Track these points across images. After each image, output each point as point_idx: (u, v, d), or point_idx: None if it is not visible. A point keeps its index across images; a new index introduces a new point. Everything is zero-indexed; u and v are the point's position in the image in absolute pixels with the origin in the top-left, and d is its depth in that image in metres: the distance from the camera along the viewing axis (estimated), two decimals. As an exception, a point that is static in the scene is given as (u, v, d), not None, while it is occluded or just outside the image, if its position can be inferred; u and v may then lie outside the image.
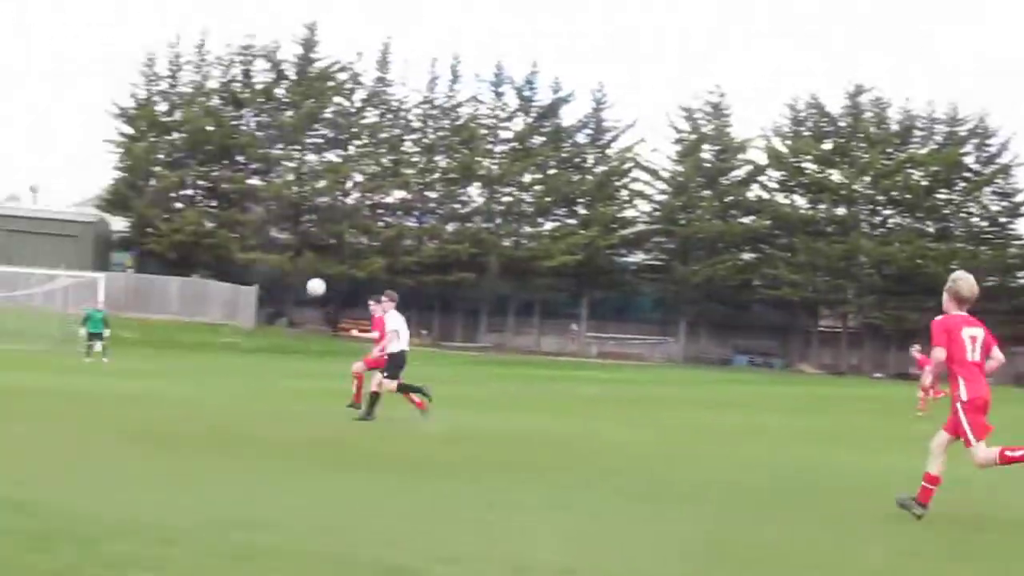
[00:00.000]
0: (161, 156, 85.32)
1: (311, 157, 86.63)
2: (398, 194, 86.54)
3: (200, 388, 31.92)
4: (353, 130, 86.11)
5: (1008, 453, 12.42)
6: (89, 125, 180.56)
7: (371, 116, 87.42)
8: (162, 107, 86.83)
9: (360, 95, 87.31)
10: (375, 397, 22.85)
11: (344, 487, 13.51)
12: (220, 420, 21.76)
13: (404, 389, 23.31)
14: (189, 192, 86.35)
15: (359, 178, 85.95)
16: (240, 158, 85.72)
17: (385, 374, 23.03)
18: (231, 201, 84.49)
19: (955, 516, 12.84)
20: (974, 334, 12.59)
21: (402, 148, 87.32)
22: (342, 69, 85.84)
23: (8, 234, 76.73)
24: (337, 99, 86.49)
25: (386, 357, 23.33)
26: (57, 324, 53.96)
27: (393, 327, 23.45)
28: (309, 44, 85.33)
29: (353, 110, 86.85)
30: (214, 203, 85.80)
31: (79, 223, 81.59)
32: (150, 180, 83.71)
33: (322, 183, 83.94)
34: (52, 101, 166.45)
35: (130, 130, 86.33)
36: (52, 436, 17.49)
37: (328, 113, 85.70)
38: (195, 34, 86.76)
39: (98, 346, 42.81)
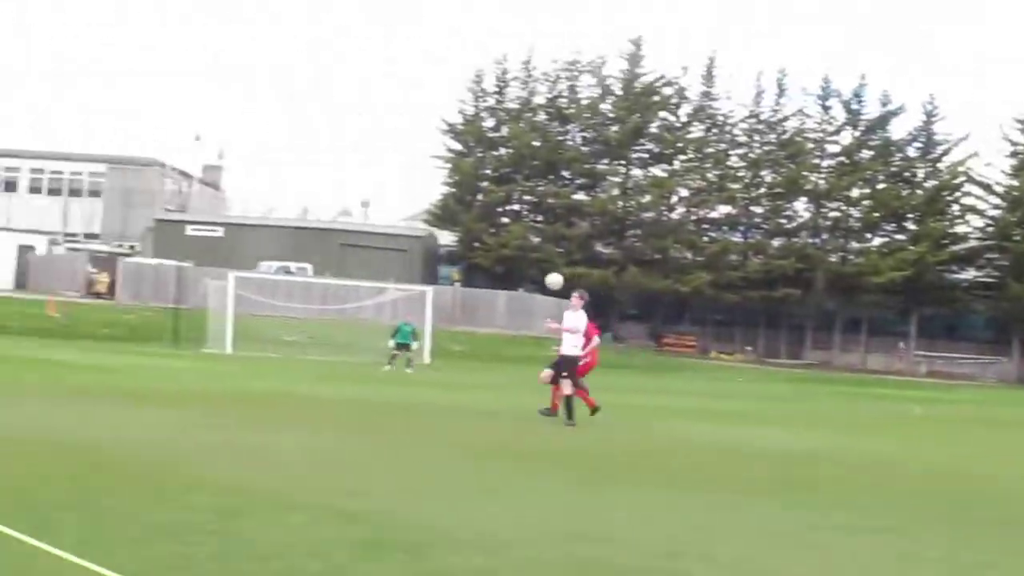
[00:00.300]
0: (488, 171, 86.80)
1: (636, 172, 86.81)
2: (723, 209, 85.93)
3: (522, 400, 32.26)
4: (678, 145, 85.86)
5: None
6: (417, 141, 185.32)
7: (696, 131, 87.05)
8: (489, 123, 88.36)
9: (685, 109, 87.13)
10: (569, 400, 22.93)
11: (669, 502, 13.44)
12: (544, 432, 21.93)
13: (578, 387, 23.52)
14: (515, 207, 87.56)
15: (684, 193, 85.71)
16: (566, 173, 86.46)
17: (564, 374, 23.05)
18: (556, 216, 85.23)
19: None
20: None
21: (727, 163, 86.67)
22: (667, 84, 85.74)
23: (341, 248, 79.30)
24: (662, 114, 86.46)
25: (567, 357, 23.26)
26: (386, 337, 55.52)
27: (571, 326, 23.37)
28: (635, 59, 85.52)
29: (678, 125, 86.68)
30: (539, 218, 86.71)
31: (409, 237, 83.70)
32: (477, 195, 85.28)
33: (647, 198, 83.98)
34: (380, 118, 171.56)
35: (458, 146, 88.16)
36: (380, 448, 17.93)
37: (653, 128, 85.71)
38: (522, 51, 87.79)
39: (404, 357, 43.87)
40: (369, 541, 10.03)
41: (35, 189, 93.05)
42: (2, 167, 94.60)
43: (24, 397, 22.52)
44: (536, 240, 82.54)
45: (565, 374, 23.08)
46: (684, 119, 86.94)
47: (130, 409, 21.25)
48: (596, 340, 24.53)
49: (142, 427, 18.20)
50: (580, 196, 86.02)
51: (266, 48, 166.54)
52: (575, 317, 23.60)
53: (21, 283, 73.89)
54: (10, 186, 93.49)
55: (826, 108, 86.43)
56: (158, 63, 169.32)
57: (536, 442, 20.14)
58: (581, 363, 23.87)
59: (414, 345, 44.71)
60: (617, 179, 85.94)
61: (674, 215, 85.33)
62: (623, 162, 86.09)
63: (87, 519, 10.12)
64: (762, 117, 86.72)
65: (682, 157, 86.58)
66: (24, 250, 76.91)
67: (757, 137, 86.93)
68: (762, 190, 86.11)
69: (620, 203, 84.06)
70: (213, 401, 24.83)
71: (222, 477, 13.23)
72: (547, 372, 23.80)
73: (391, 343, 44.54)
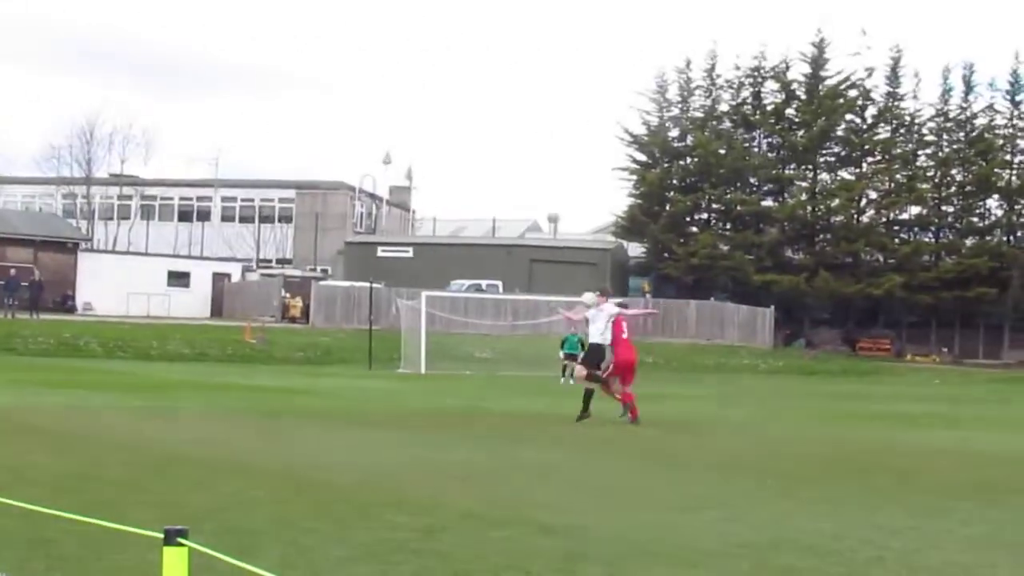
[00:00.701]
0: (674, 181, 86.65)
1: (824, 176, 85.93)
2: (913, 210, 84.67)
3: (719, 409, 32.05)
4: (866, 147, 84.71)
5: None
6: (601, 153, 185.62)
7: (883, 132, 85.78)
8: (673, 133, 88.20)
9: (871, 111, 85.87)
10: (588, 394, 23.75)
11: (869, 508, 13.20)
12: (739, 441, 21.76)
13: (597, 380, 24.06)
14: (703, 215, 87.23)
15: (873, 195, 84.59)
16: (753, 180, 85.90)
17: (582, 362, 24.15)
18: (745, 223, 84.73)
19: None
20: None
21: (916, 163, 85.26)
22: (852, 86, 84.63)
23: (530, 263, 79.72)
24: (848, 116, 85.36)
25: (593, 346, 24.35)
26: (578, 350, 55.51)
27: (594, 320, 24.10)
28: (818, 62, 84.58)
29: (865, 127, 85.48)
30: (728, 226, 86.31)
31: (598, 250, 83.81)
32: (665, 205, 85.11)
33: (836, 201, 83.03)
34: (560, 130, 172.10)
35: (643, 157, 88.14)
36: (575, 460, 17.94)
37: (840, 131, 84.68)
38: (704, 58, 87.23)
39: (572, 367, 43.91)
40: (566, 554, 10.03)
41: (227, 217, 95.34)
42: (195, 197, 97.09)
43: (225, 422, 23.02)
44: (725, 248, 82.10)
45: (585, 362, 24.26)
46: (870, 121, 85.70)
47: (328, 431, 21.58)
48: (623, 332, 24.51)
49: (341, 448, 18.47)
50: (768, 202, 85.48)
51: (450, 66, 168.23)
52: (597, 314, 24.27)
53: (217, 310, 75.63)
54: (203, 215, 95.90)
55: (1015, 103, 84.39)
56: (344, 85, 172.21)
57: (731, 451, 19.98)
58: (609, 366, 24.39)
59: (580, 355, 44.71)
60: (805, 184, 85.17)
61: (864, 218, 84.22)
62: (810, 167, 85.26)
63: (290, 541, 10.28)
64: (950, 115, 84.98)
65: (870, 159, 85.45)
66: (219, 278, 78.72)
67: (946, 136, 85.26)
68: (952, 189, 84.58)
69: (809, 208, 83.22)
70: (410, 420, 25.11)
71: (422, 495, 13.35)
72: (579, 369, 24.84)
73: (560, 354, 45.09)
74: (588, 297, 25.86)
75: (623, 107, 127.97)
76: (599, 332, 24.25)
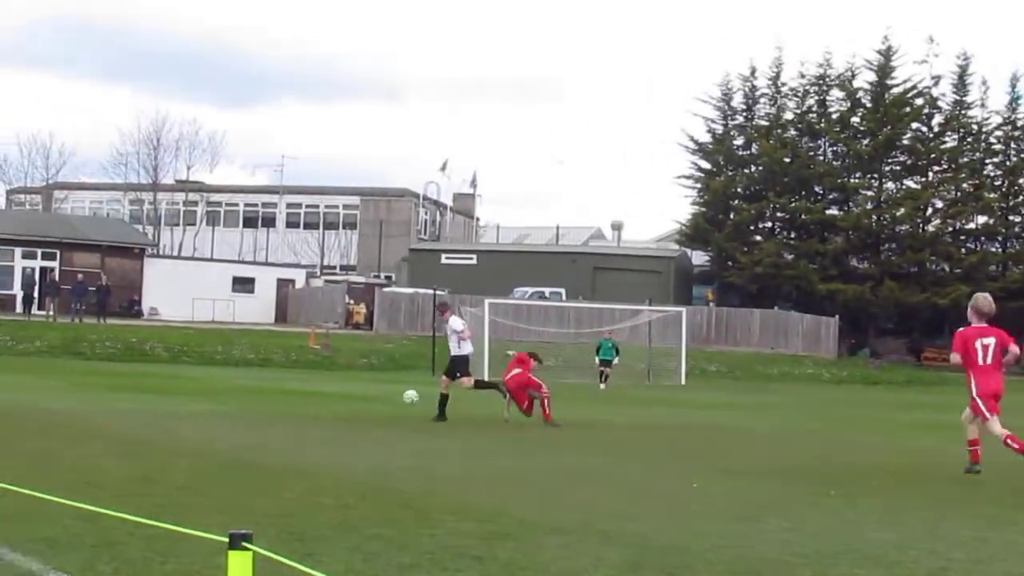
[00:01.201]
0: (739, 189, 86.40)
1: (889, 185, 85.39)
2: (980, 219, 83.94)
3: (781, 418, 31.93)
4: (932, 156, 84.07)
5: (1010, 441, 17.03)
6: (665, 161, 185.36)
7: (950, 140, 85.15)
8: (738, 141, 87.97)
9: (938, 119, 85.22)
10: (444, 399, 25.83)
11: (933, 518, 13.12)
12: (798, 451, 21.66)
13: (482, 385, 27.11)
14: (768, 224, 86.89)
15: (939, 204, 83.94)
16: (818, 188, 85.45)
17: (458, 374, 26.03)
18: (809, 232, 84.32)
19: None
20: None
21: (983, 172, 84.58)
22: (919, 94, 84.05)
23: (594, 271, 79.64)
24: (914, 125, 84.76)
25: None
26: (642, 358, 55.43)
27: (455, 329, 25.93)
28: (884, 70, 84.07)
29: (931, 135, 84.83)
30: (792, 234, 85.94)
31: (662, 258, 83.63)
32: (729, 213, 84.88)
33: (901, 211, 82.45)
34: (632, 139, 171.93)
35: (707, 165, 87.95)
36: (635, 469, 17.92)
37: (906, 139, 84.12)
38: (769, 66, 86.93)
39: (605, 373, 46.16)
40: (627, 563, 10.03)
41: (292, 223, 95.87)
42: (260, 203, 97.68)
43: (289, 427, 23.16)
44: (790, 257, 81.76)
45: (459, 374, 26.10)
46: (937, 129, 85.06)
47: (392, 437, 21.67)
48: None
49: (405, 455, 18.53)
50: (833, 211, 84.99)
51: (513, 72, 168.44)
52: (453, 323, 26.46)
53: (281, 316, 76.02)
54: (268, 221, 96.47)
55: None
56: (410, 91, 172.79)
57: (793, 460, 19.90)
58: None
59: (615, 361, 46.99)
60: (870, 193, 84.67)
61: (930, 227, 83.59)
62: (875, 175, 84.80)
63: (353, 547, 10.34)
64: (1018, 123, 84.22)
65: (936, 168, 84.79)
66: (283, 284, 79.13)
67: (1013, 144, 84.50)
68: (1020, 199, 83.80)
69: (874, 217, 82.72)
70: (472, 427, 25.14)
71: (484, 502, 13.39)
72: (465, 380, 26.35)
73: (596, 360, 46.97)
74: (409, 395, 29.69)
75: (687, 114, 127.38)
76: (455, 345, 26.29)
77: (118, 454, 17.03)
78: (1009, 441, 17.30)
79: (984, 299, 18.12)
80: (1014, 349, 17.91)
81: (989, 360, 17.70)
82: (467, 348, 26.33)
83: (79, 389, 32.59)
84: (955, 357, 17.87)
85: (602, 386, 45.75)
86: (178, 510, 11.84)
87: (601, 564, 9.95)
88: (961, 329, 17.89)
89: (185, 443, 19.12)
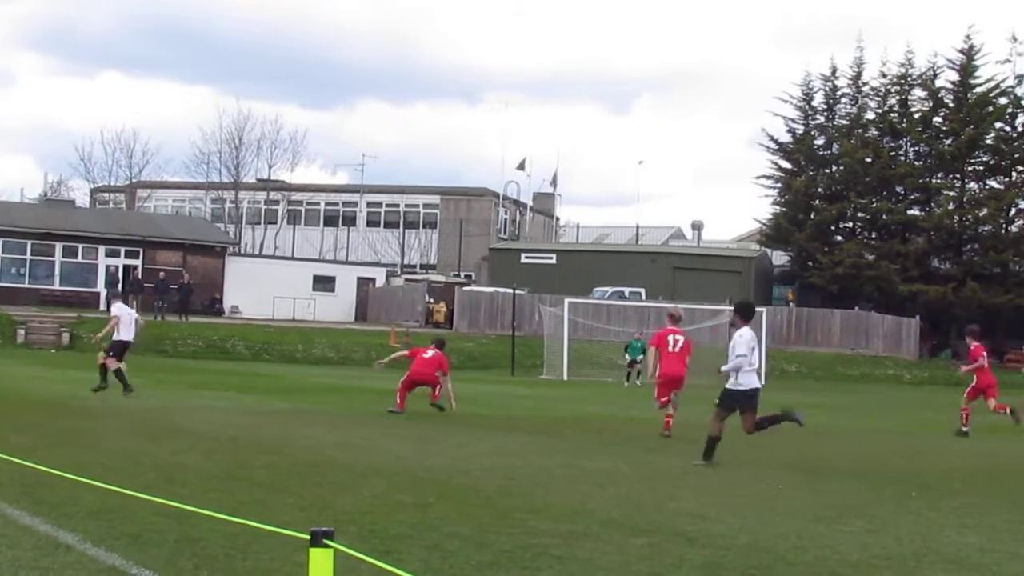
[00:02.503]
0: (819, 189, 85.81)
1: (972, 185, 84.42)
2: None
3: (862, 419, 31.70)
4: (1016, 155, 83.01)
5: None
6: (746, 160, 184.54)
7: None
8: (819, 140, 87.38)
9: (1022, 119, 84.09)
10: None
11: (1016, 522, 12.98)
12: (879, 452, 21.50)
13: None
14: (848, 224, 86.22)
15: (1023, 204, 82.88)
16: (899, 188, 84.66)
17: (111, 353, 28.27)
18: (891, 232, 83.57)
19: None
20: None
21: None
22: (1002, 93, 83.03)
23: (673, 270, 79.39)
24: (998, 124, 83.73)
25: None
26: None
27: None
28: (967, 69, 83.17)
29: (1015, 135, 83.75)
30: (873, 235, 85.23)
31: (742, 258, 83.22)
32: (810, 214, 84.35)
33: (984, 211, 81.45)
34: (712, 138, 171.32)
35: (788, 164, 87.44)
36: (716, 469, 17.84)
37: (989, 139, 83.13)
38: (850, 65, 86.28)
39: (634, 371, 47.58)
40: (707, 564, 10.01)
41: (373, 222, 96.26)
42: (341, 202, 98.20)
43: (369, 426, 23.27)
44: (871, 257, 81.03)
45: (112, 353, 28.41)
46: (1021, 129, 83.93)
47: (471, 436, 21.70)
48: None
49: (484, 453, 18.57)
50: (915, 211, 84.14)
51: (589, 70, 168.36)
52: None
53: (361, 315, 76.36)
54: (349, 220, 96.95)
55: None
56: (489, 90, 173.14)
57: (873, 461, 19.77)
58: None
59: (640, 359, 47.91)
60: (952, 193, 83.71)
61: (1013, 228, 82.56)
62: (958, 175, 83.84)
63: (432, 545, 10.38)
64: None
65: (1020, 168, 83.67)
66: (363, 282, 79.49)
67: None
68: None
69: (956, 217, 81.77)
70: (552, 427, 25.17)
71: (564, 501, 13.39)
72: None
73: (627, 358, 48.51)
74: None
75: (768, 114, 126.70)
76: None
77: (200, 451, 17.18)
78: None
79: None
80: None
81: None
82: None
83: (161, 386, 32.91)
84: None
85: (626, 383, 47.30)
86: (259, 507, 11.94)
87: (682, 564, 9.93)
88: None
89: (266, 440, 19.26)
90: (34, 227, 70.43)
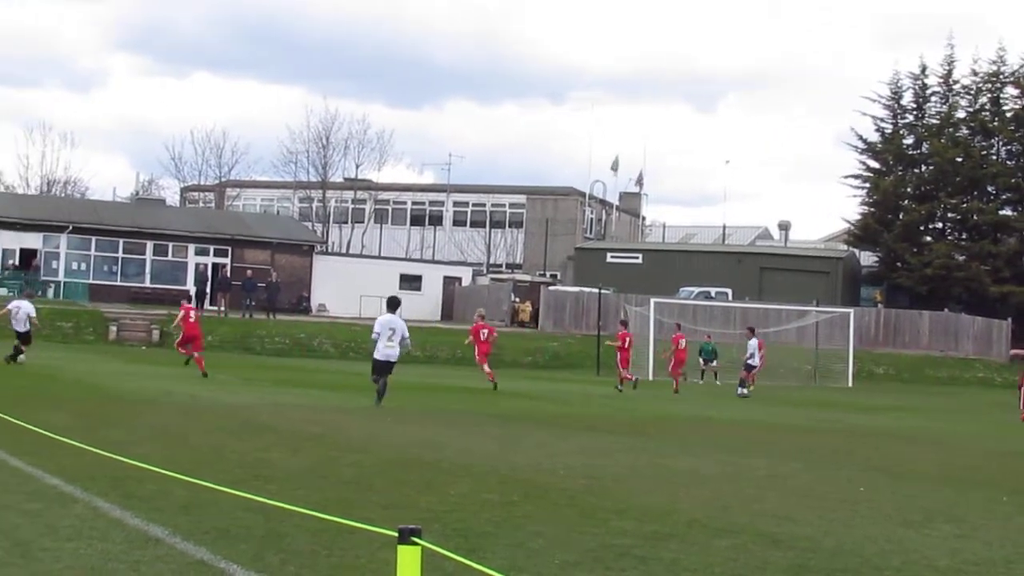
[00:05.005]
0: (908, 189, 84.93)
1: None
2: None
3: (951, 422, 31.37)
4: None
5: None
6: (834, 160, 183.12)
7: None
8: (908, 140, 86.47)
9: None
10: None
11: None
12: (966, 455, 21.27)
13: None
14: (938, 225, 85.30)
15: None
16: (990, 188, 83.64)
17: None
18: (982, 232, 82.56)
19: None
20: None
21: None
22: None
23: (760, 271, 78.93)
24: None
25: None
26: (808, 360, 54.90)
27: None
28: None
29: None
30: (964, 235, 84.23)
31: (830, 259, 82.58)
32: (898, 214, 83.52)
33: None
34: (799, 138, 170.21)
35: (876, 164, 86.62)
36: (802, 471, 17.74)
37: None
38: (940, 63, 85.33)
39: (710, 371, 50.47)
40: (793, 566, 9.95)
41: (459, 222, 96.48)
42: (427, 201, 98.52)
43: (454, 424, 23.33)
44: (961, 258, 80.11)
45: None
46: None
47: (556, 435, 21.71)
48: None
49: (569, 453, 18.56)
50: (1007, 212, 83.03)
51: (675, 71, 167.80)
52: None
53: (447, 314, 76.58)
54: (435, 220, 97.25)
55: None
56: (570, 89, 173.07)
57: (963, 465, 19.57)
58: None
59: (713, 363, 51.93)
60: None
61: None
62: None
63: (517, 544, 10.39)
64: None
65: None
66: (449, 282, 79.71)
67: None
68: None
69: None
70: (637, 426, 25.13)
71: (649, 502, 13.36)
72: None
73: (700, 360, 51.29)
74: None
75: (855, 113, 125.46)
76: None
77: (286, 448, 17.31)
78: None
79: None
80: None
81: None
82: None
83: (248, 384, 33.21)
84: None
85: (700, 381, 50.01)
86: (344, 504, 12.01)
87: (767, 567, 9.88)
88: None
89: (352, 438, 19.37)
90: (126, 226, 71.35)
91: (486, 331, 38.52)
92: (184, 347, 37.65)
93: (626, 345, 41.62)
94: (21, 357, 35.19)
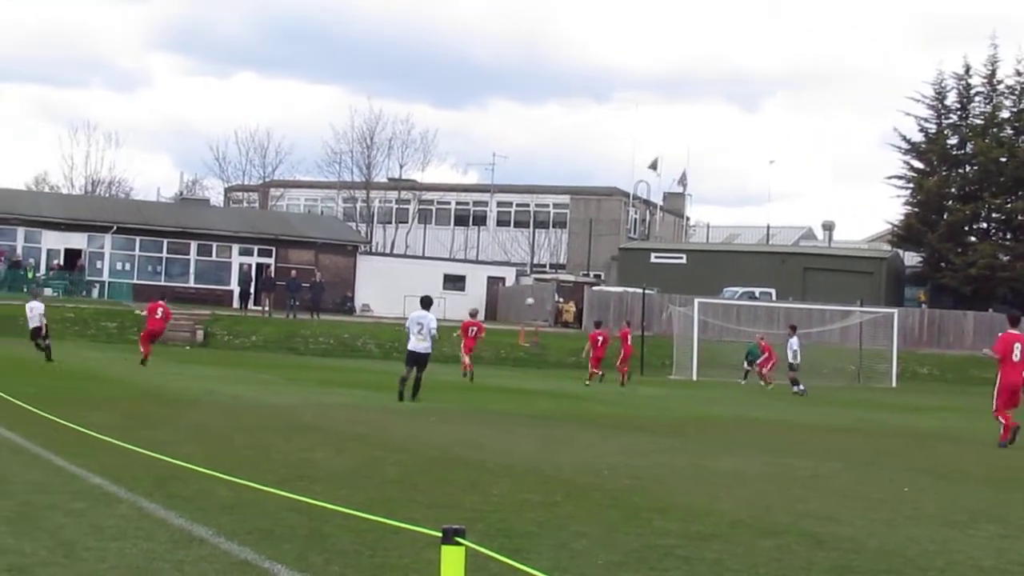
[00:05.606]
0: (953, 190, 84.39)
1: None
2: None
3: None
4: None
5: None
6: (878, 160, 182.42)
7: None
8: (952, 140, 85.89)
9: None
10: None
11: None
12: (1009, 455, 21.14)
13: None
14: (983, 225, 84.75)
15: None
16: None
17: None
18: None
19: None
20: None
21: None
22: None
23: (804, 271, 78.65)
24: None
25: None
26: (852, 360, 54.66)
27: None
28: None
29: None
30: (1008, 236, 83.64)
31: (873, 259, 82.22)
32: (942, 214, 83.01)
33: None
34: (837, 136, 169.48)
35: (920, 164, 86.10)
36: (846, 472, 17.69)
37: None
38: (985, 63, 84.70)
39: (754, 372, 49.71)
40: (837, 567, 9.93)
41: (503, 222, 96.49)
42: (471, 201, 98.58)
43: (497, 424, 23.35)
44: (1006, 259, 79.56)
45: None
46: None
47: (600, 435, 21.72)
48: None
49: (612, 453, 18.56)
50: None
51: (724, 72, 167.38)
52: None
53: (490, 314, 76.58)
54: (479, 220, 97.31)
55: None
56: (615, 89, 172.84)
57: (1007, 466, 19.45)
58: None
59: (745, 365, 51.42)
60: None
61: None
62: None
63: (560, 544, 10.40)
64: None
65: None
66: (493, 282, 79.74)
67: None
68: None
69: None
70: (681, 427, 25.10)
71: (692, 502, 13.35)
72: None
73: (744, 362, 50.93)
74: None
75: (899, 114, 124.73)
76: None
77: (330, 448, 17.37)
78: None
79: None
80: None
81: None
82: None
83: (292, 384, 33.35)
84: None
85: (743, 381, 49.37)
86: (388, 504, 12.05)
87: (811, 568, 9.86)
88: None
89: (395, 438, 19.42)
90: (170, 226, 71.77)
91: (475, 328, 42.97)
92: (148, 344, 39.22)
93: (599, 344, 43.68)
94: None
